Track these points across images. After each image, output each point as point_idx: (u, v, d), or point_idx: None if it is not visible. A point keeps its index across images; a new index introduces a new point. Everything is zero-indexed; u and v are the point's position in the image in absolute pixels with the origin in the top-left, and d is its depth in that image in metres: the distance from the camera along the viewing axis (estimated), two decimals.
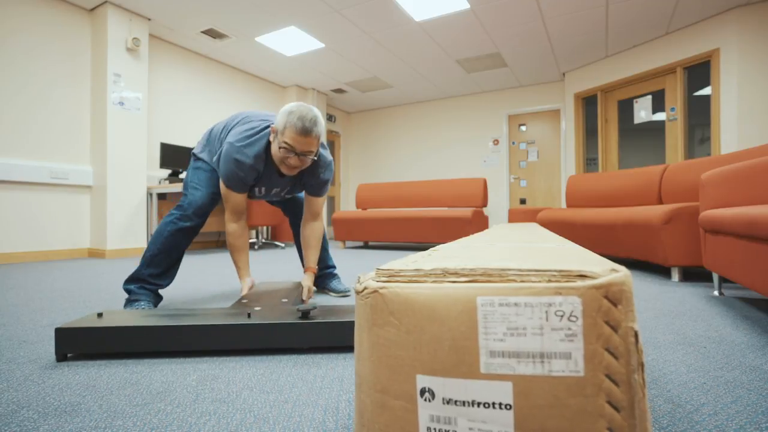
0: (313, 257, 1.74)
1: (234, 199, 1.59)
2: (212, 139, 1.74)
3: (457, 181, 5.13)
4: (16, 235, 3.51)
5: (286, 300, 1.45)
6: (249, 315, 1.15)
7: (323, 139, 1.59)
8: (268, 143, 1.57)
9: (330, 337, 1.11)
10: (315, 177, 1.69)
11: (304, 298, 1.58)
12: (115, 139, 3.96)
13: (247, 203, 1.62)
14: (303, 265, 1.78)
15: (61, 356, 1.06)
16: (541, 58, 5.31)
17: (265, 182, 1.66)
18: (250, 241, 5.20)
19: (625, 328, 0.37)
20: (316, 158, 1.57)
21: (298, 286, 1.79)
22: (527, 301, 0.39)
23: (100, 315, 1.16)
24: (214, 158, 1.69)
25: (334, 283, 1.99)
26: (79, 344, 1.06)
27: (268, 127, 1.58)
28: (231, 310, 1.24)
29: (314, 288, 1.73)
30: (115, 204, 3.95)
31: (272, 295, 1.57)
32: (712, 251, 1.78)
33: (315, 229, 1.76)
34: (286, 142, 1.45)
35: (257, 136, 1.56)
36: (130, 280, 1.61)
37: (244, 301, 1.44)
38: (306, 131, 1.44)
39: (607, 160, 5.37)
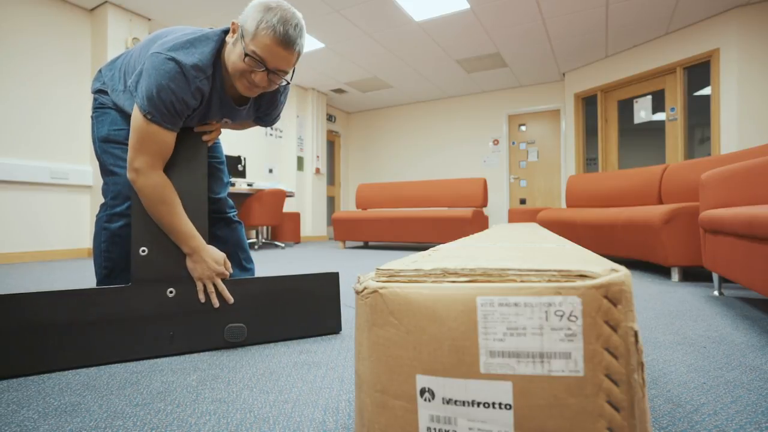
0: None
1: (161, 139, 1.08)
2: (125, 71, 1.23)
3: (457, 181, 5.12)
4: (16, 235, 3.51)
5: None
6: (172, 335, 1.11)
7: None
8: (218, 51, 1.12)
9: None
10: (274, 104, 1.31)
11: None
12: None
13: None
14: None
15: None
16: (541, 58, 5.31)
17: (205, 112, 1.18)
18: (249, 241, 5.12)
19: (624, 328, 0.37)
20: (288, 82, 1.18)
21: None
22: (527, 301, 0.39)
23: None
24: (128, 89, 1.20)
25: None
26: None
27: (215, 32, 1.13)
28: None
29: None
30: None
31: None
32: (712, 251, 1.78)
33: None
34: (255, 52, 1.05)
35: (202, 39, 1.10)
36: None
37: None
38: (288, 41, 1.05)
39: (607, 160, 5.37)
